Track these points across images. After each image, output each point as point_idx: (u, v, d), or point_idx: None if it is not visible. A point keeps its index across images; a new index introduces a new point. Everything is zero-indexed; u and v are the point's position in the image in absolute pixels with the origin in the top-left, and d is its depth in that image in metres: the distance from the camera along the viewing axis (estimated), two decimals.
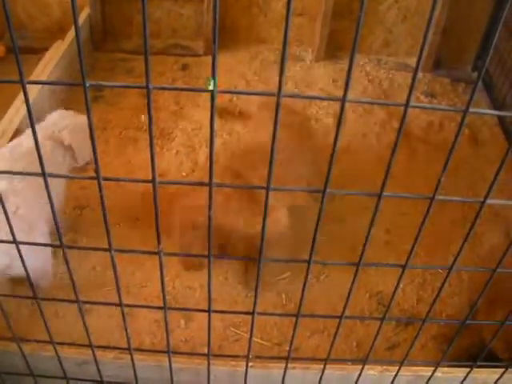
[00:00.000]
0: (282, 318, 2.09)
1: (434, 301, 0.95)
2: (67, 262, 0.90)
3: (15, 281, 1.94)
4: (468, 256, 2.30)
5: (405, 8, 3.54)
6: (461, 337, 1.05)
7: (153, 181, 0.76)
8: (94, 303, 2.04)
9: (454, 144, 0.73)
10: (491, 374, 1.42)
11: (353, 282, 0.91)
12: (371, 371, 1.44)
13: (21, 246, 0.93)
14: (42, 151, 0.76)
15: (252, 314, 0.97)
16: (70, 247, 0.89)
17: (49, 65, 2.97)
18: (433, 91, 3.48)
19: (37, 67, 2.95)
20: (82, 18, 3.40)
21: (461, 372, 1.35)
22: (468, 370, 1.21)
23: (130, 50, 3.54)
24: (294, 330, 0.99)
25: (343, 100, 0.67)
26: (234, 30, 3.65)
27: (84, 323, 1.03)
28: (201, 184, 0.76)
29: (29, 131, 2.13)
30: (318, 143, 2.48)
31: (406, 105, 0.69)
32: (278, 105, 0.67)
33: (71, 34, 3.28)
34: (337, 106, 2.99)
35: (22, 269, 0.98)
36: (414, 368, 1.45)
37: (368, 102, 0.74)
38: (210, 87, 0.71)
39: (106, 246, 0.86)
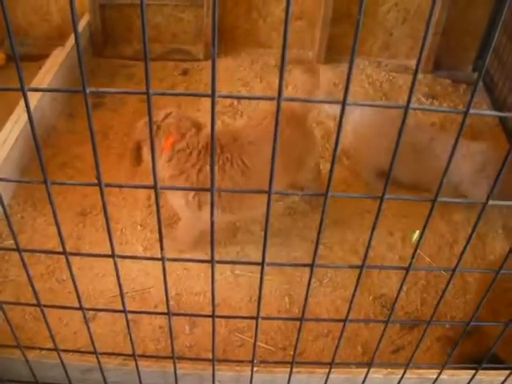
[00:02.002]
0: (286, 322, 2.08)
1: (438, 303, 0.95)
2: (70, 269, 0.90)
3: None
4: (472, 258, 2.30)
5: (404, 10, 3.55)
6: (466, 344, 1.04)
7: (154, 186, 0.76)
8: (98, 310, 2.04)
9: (455, 145, 0.72)
10: (497, 376, 1.41)
11: (356, 285, 0.90)
12: (376, 374, 1.44)
13: None
14: None
15: (256, 318, 0.96)
16: (73, 254, 0.89)
17: (49, 72, 2.98)
18: (434, 92, 3.48)
19: (37, 74, 2.96)
20: (82, 24, 3.41)
21: (466, 374, 1.35)
22: (473, 372, 1.20)
23: (130, 55, 3.55)
24: (298, 334, 0.99)
25: (343, 103, 0.67)
26: (233, 35, 3.66)
27: (88, 330, 1.02)
28: (203, 189, 0.75)
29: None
30: (313, 142, 2.46)
31: (407, 106, 0.69)
32: (278, 109, 0.66)
33: (71, 40, 3.29)
34: (337, 109, 3.00)
35: None
36: (420, 371, 1.45)
37: (368, 105, 0.75)
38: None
39: (109, 252, 0.86)
